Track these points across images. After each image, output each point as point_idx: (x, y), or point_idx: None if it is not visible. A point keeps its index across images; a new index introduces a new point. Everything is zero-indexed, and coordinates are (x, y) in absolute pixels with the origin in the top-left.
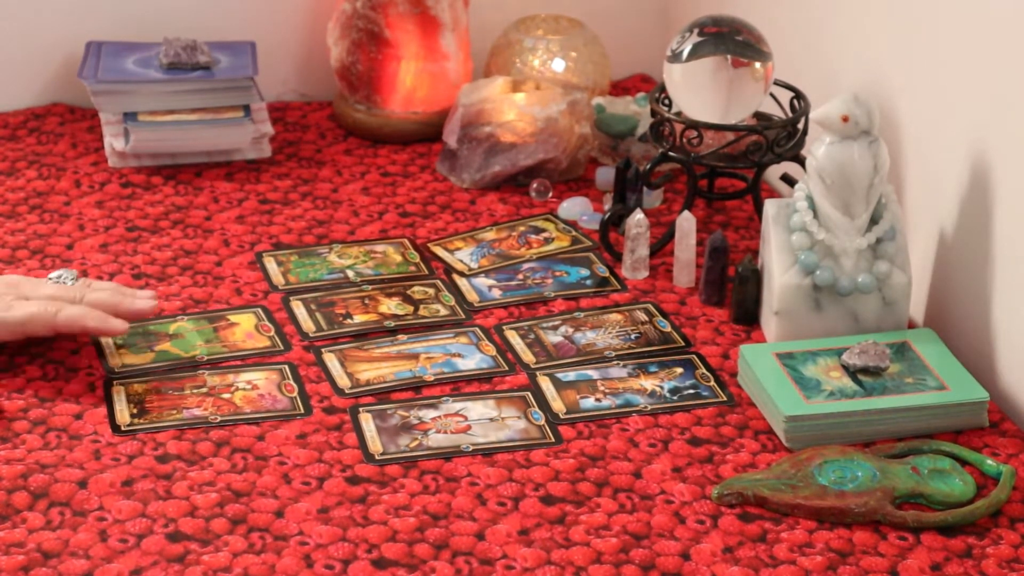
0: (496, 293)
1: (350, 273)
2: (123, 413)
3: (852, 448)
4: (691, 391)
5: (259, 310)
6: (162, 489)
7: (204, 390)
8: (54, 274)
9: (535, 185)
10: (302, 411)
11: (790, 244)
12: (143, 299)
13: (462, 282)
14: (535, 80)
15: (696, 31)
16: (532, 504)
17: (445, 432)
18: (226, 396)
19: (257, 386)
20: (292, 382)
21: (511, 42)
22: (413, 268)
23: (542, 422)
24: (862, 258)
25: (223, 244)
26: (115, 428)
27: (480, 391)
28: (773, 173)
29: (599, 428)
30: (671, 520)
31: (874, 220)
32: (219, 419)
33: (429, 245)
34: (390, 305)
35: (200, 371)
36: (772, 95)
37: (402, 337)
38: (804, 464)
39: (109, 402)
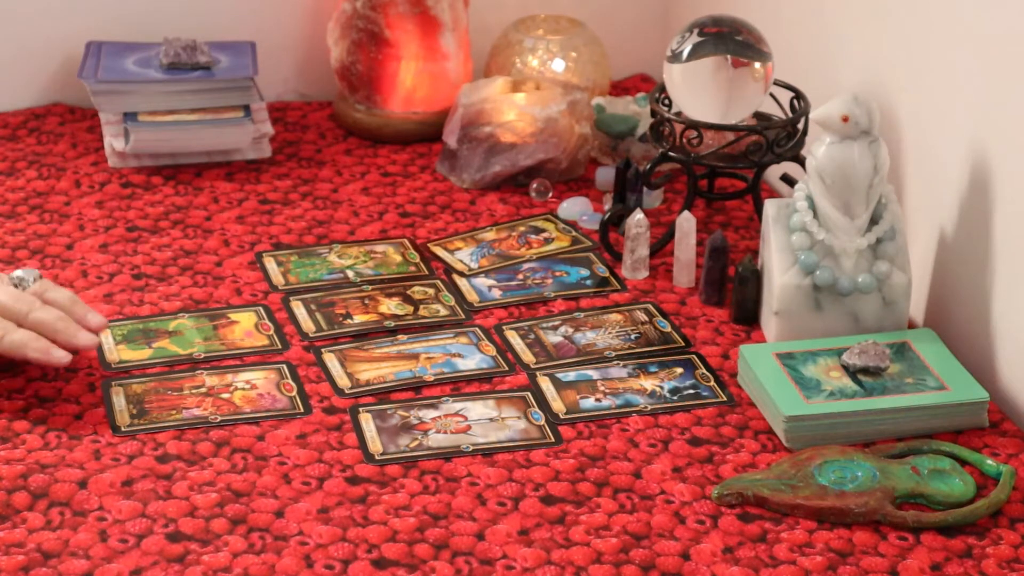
0: (496, 293)
1: (350, 273)
2: (123, 414)
3: (852, 448)
4: (691, 391)
5: (260, 309)
6: (162, 489)
7: (203, 390)
8: (16, 273)
9: (535, 185)
10: (301, 410)
11: (790, 244)
12: (85, 336)
13: (462, 282)
14: (535, 80)
15: (696, 31)
16: (532, 504)
17: (445, 432)
18: (225, 396)
19: (256, 385)
20: (291, 381)
21: (511, 42)
22: (413, 268)
23: (542, 422)
24: (862, 258)
25: (223, 244)
26: (115, 429)
27: (480, 391)
28: (773, 173)
29: (599, 428)
30: (671, 520)
31: (874, 220)
32: (219, 419)
33: (429, 245)
34: (390, 305)
35: (199, 371)
36: (772, 95)
37: (402, 337)
38: (804, 464)
39: (108, 403)
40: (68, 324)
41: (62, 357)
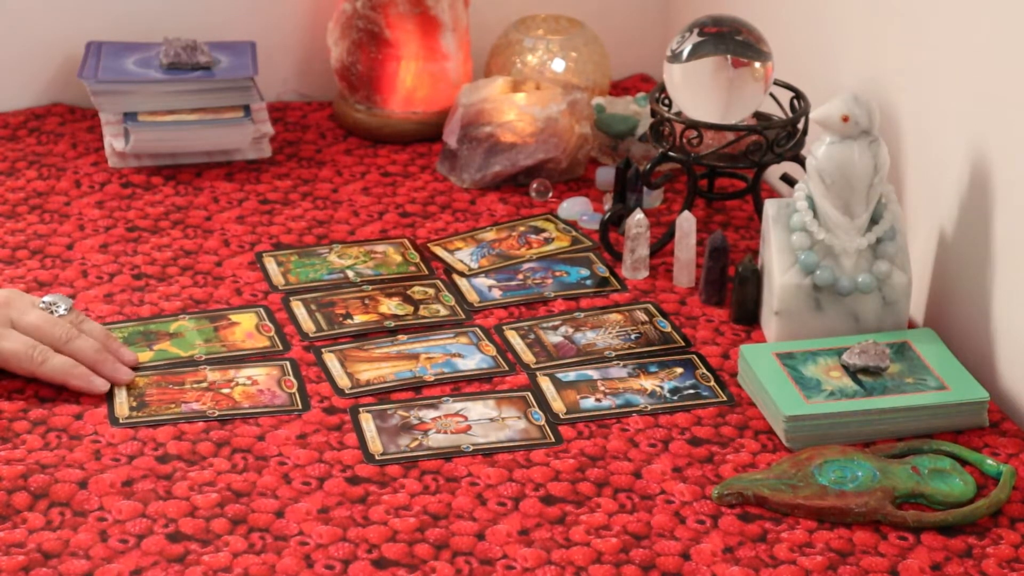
0: (496, 293)
1: (350, 273)
2: (122, 406)
3: (852, 448)
4: (691, 391)
5: (261, 310)
6: (162, 489)
7: (204, 385)
8: (48, 298)
9: (535, 185)
10: (299, 407)
11: (790, 244)
12: (124, 371)
13: (462, 282)
14: (535, 80)
15: (696, 31)
16: (532, 504)
17: (445, 432)
18: (225, 391)
19: (257, 381)
20: (292, 378)
21: (511, 42)
22: (413, 268)
23: (542, 422)
24: (862, 258)
25: (223, 244)
26: (113, 420)
27: (480, 391)
28: (773, 173)
29: (599, 428)
30: (671, 520)
31: (874, 220)
32: (216, 413)
33: (429, 245)
34: (390, 305)
35: (202, 366)
36: (772, 95)
37: (402, 337)
38: (804, 464)
39: (110, 395)
40: (106, 357)
41: (101, 385)
